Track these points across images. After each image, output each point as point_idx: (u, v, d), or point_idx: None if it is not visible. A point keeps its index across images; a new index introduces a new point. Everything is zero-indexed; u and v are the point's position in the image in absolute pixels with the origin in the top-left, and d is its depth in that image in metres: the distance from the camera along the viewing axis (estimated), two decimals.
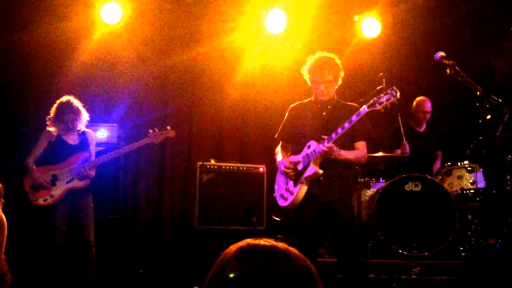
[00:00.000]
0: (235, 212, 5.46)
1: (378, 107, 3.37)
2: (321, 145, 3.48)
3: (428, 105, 5.67)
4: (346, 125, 3.45)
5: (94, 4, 5.75)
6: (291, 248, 1.07)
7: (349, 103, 3.81)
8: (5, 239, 1.25)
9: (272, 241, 1.07)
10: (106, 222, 5.10)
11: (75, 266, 4.46)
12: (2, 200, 1.28)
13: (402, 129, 5.43)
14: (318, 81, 3.69)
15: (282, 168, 3.73)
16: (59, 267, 4.39)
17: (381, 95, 3.39)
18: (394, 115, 5.51)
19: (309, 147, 3.63)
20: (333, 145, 3.47)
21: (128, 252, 5.29)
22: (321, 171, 3.54)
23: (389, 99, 3.34)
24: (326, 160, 3.55)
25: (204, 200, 5.44)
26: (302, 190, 3.59)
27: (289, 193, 3.69)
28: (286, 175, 3.72)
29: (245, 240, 1.08)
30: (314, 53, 3.81)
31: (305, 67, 3.77)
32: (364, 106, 3.43)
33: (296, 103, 3.95)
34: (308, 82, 3.80)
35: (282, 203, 3.77)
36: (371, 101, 3.41)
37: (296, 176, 3.68)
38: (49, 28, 5.73)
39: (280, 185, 3.83)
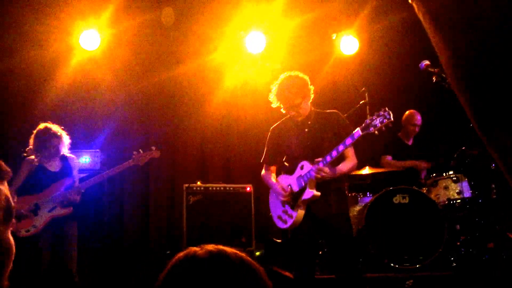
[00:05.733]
0: (223, 233, 5.38)
1: (372, 130, 3.30)
2: (315, 166, 3.43)
3: (418, 118, 5.73)
4: (341, 147, 3.41)
5: (72, 31, 5.72)
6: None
7: (327, 111, 3.78)
8: (11, 264, 1.18)
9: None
10: (91, 251, 4.97)
11: None
12: (14, 220, 1.20)
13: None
14: (288, 108, 3.65)
15: (280, 194, 3.67)
16: None
17: (374, 117, 3.31)
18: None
19: (302, 167, 3.58)
20: (327, 168, 3.42)
21: (114, 279, 5.13)
22: (318, 193, 3.50)
23: (382, 121, 3.27)
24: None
25: (191, 222, 5.35)
26: (301, 213, 3.56)
27: (287, 216, 3.65)
28: (283, 201, 3.68)
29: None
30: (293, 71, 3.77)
31: (271, 96, 3.68)
32: (358, 129, 3.36)
33: (276, 123, 3.88)
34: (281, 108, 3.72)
35: (281, 225, 3.71)
36: (364, 124, 3.34)
37: (293, 199, 3.63)
38: (28, 55, 5.68)
39: (277, 206, 3.78)
